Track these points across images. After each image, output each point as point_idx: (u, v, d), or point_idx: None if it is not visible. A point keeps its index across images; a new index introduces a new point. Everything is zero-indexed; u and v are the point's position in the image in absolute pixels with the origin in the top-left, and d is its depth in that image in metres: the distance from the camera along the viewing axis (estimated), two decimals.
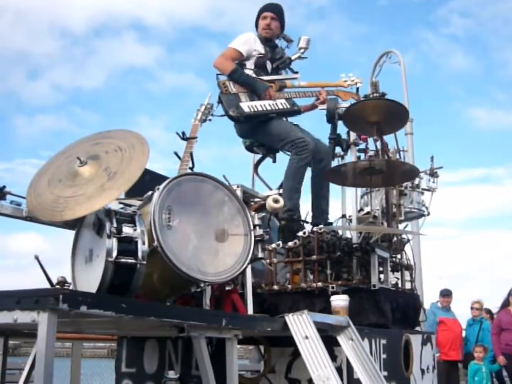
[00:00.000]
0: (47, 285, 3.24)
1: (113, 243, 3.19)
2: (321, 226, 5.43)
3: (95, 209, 3.31)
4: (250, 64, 6.32)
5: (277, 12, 6.62)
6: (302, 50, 6.62)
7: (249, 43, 6.37)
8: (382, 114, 5.44)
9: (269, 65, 6.43)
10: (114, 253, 3.17)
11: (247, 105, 6.00)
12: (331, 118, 6.06)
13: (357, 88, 6.46)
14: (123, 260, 3.19)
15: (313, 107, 6.57)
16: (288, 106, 6.19)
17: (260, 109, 6.03)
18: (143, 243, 3.29)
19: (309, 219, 6.26)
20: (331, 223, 6.28)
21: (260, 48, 6.40)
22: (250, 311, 4.49)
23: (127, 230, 3.28)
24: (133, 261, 3.23)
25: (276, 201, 4.48)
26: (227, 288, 4.27)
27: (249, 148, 6.55)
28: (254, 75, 6.25)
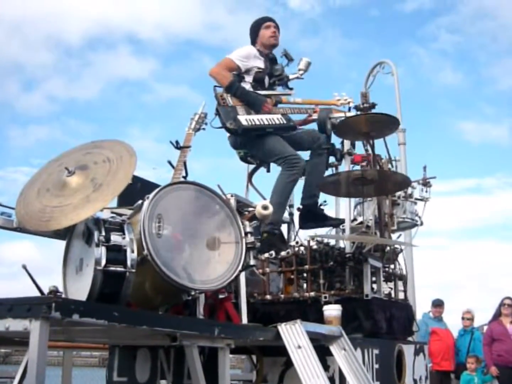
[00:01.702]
0: (38, 294, 3.24)
1: (102, 251, 3.18)
2: (314, 235, 5.43)
3: (80, 219, 3.30)
4: (248, 78, 6.33)
5: (276, 22, 6.68)
6: (301, 72, 6.67)
7: (249, 58, 6.37)
8: (372, 124, 5.46)
9: (266, 80, 6.44)
10: (103, 262, 3.17)
11: (245, 119, 6.01)
12: (323, 128, 6.07)
13: (349, 108, 6.49)
14: (112, 268, 3.19)
15: (305, 122, 6.59)
16: (284, 122, 6.21)
17: (257, 123, 6.05)
18: (132, 251, 3.28)
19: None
20: (317, 203, 6.34)
21: (260, 63, 6.41)
22: (244, 320, 4.49)
23: (115, 238, 3.27)
24: (122, 269, 3.22)
25: (265, 207, 4.48)
26: (221, 296, 4.26)
27: (244, 159, 6.56)
28: (251, 89, 6.26)
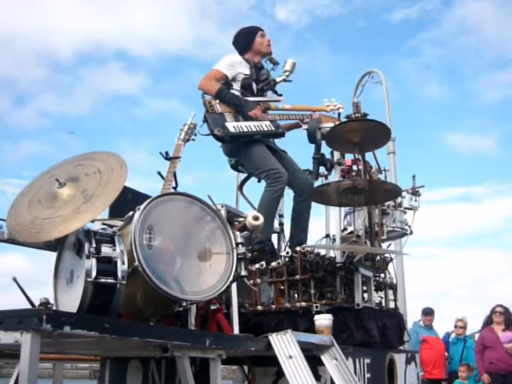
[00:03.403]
0: (29, 306, 3.24)
1: (92, 263, 3.19)
2: (305, 245, 5.44)
3: (69, 231, 3.31)
4: (236, 85, 6.33)
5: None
6: (287, 73, 6.65)
7: (234, 65, 6.37)
8: (364, 134, 5.46)
9: (254, 86, 6.44)
10: (93, 273, 3.17)
11: (233, 125, 6.00)
12: (312, 138, 6.07)
13: (339, 114, 6.48)
14: (102, 280, 3.19)
15: (295, 126, 6.59)
16: (273, 129, 6.19)
17: (245, 130, 6.03)
18: (123, 263, 3.28)
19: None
20: None
21: (245, 70, 6.40)
22: (235, 330, 4.48)
23: (106, 250, 3.27)
24: (112, 281, 3.22)
25: (256, 218, 4.48)
26: (212, 307, 4.26)
27: (234, 167, 6.55)
28: (240, 95, 6.27)
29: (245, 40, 6.65)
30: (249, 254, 4.05)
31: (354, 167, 6.41)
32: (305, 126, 6.29)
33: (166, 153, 4.92)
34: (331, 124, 6.00)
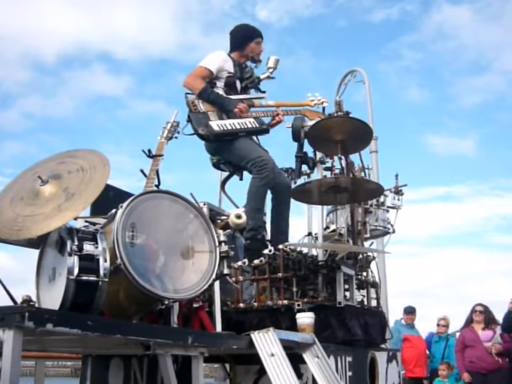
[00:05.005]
0: (11, 303, 3.23)
1: (74, 261, 3.17)
2: (287, 243, 5.44)
3: (50, 229, 3.30)
4: (220, 83, 6.32)
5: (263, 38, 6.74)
6: (271, 70, 6.65)
7: (220, 62, 6.36)
8: (346, 133, 5.48)
9: (238, 84, 6.43)
10: (75, 271, 3.15)
11: (217, 124, 5.99)
12: (297, 136, 6.08)
13: (323, 108, 6.49)
14: (84, 277, 3.17)
15: (273, 124, 6.55)
16: (257, 125, 6.17)
17: (229, 127, 6.02)
18: (105, 261, 3.27)
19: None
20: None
21: (230, 68, 6.40)
22: (218, 328, 4.48)
23: (88, 247, 3.26)
24: (94, 278, 3.21)
25: (238, 216, 4.48)
26: (195, 305, 4.26)
27: (216, 166, 6.53)
28: (224, 94, 6.26)
29: (240, 39, 6.64)
30: (232, 253, 4.04)
31: (337, 162, 6.42)
32: (288, 125, 6.30)
33: (149, 151, 4.91)
34: (317, 120, 6.01)
